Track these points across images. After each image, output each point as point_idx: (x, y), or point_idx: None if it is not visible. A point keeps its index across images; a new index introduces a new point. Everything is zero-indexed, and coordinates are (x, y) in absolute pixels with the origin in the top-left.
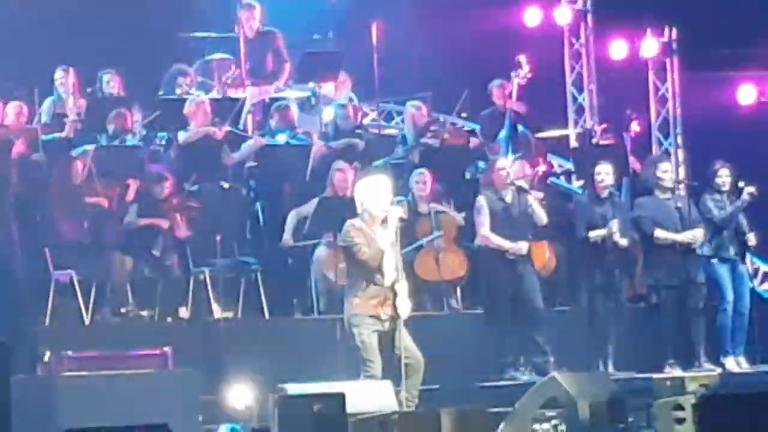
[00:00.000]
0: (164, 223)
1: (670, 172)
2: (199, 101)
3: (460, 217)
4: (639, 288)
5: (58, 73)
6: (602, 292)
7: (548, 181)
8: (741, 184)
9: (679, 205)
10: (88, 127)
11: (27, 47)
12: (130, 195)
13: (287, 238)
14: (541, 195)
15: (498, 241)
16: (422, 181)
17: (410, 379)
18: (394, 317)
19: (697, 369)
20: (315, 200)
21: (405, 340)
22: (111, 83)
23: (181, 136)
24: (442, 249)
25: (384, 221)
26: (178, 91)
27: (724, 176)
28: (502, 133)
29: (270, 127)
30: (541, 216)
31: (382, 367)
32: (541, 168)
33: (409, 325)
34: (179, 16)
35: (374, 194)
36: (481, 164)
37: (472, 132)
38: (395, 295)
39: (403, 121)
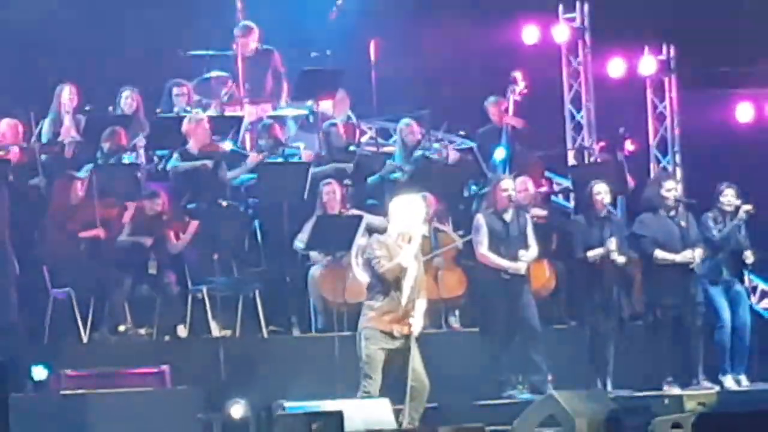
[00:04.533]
0: (147, 241)
1: (674, 190)
2: (198, 119)
3: (459, 241)
4: (637, 306)
5: (59, 91)
6: (601, 311)
7: (550, 199)
8: (738, 202)
9: (683, 223)
10: (86, 145)
11: (25, 64)
12: (126, 218)
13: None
14: (544, 213)
15: (496, 260)
16: (427, 204)
17: (414, 401)
18: (408, 336)
19: (695, 387)
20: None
21: (414, 362)
22: (129, 100)
23: (171, 164)
24: (441, 267)
25: (410, 239)
26: (176, 107)
27: (729, 196)
28: (500, 152)
29: (260, 146)
30: (532, 249)
31: (388, 385)
32: (543, 188)
33: (419, 345)
34: (178, 33)
35: (402, 212)
36: (474, 188)
37: (470, 150)
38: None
39: None
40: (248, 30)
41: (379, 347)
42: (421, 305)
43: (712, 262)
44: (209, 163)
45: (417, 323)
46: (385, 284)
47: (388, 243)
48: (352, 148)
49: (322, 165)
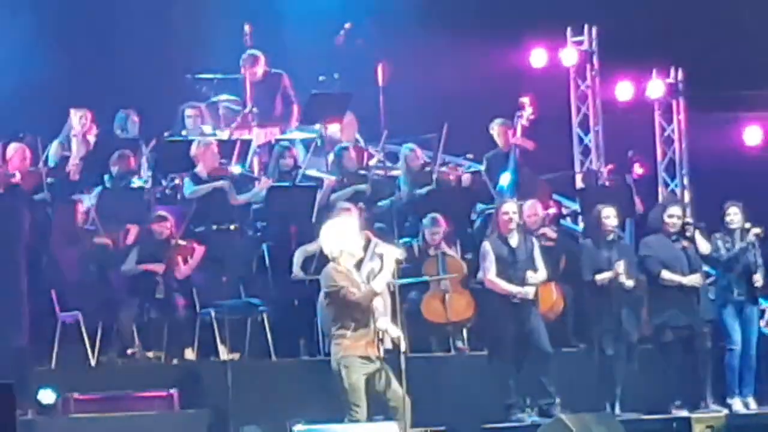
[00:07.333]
0: (159, 269)
1: (676, 217)
2: (207, 143)
3: (464, 266)
4: (645, 329)
5: (73, 114)
6: (609, 334)
7: (558, 222)
8: (747, 225)
9: (686, 245)
10: (92, 169)
11: (33, 89)
12: (130, 239)
13: (297, 271)
14: (554, 236)
15: (505, 286)
16: (437, 225)
17: (399, 417)
18: (381, 358)
19: (703, 410)
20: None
21: (392, 382)
22: (134, 120)
23: (188, 190)
24: (449, 291)
25: (360, 261)
26: (189, 128)
27: (732, 214)
28: (505, 177)
29: (280, 166)
30: (540, 272)
31: (383, 405)
32: (552, 210)
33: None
34: (186, 57)
35: (348, 237)
36: (480, 206)
37: (478, 173)
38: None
39: None
40: (254, 59)
41: (360, 374)
42: (383, 322)
43: (724, 281)
44: (225, 184)
45: (394, 331)
46: (357, 311)
47: (344, 270)
48: (362, 171)
49: (338, 190)
